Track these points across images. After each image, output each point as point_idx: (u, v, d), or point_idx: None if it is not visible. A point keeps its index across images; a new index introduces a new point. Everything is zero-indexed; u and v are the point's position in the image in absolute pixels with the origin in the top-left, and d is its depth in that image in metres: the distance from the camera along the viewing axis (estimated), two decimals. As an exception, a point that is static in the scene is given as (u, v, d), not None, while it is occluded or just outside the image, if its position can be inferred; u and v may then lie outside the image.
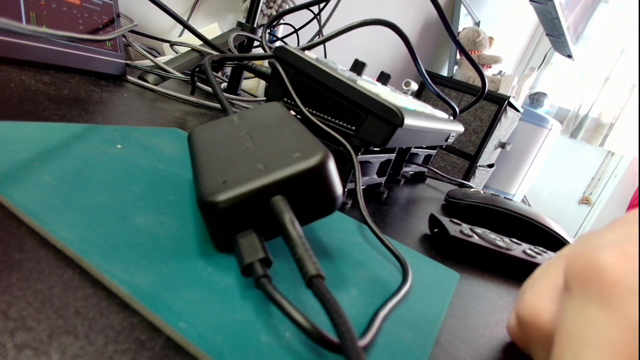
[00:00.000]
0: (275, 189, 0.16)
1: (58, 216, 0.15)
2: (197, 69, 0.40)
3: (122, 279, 0.13)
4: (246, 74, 0.69)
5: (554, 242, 0.42)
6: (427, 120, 0.35)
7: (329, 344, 0.12)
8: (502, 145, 1.94)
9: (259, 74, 0.35)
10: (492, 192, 0.47)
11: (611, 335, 0.12)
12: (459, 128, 0.51)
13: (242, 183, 0.16)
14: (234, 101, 0.54)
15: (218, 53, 0.54)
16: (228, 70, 0.73)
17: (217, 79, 0.68)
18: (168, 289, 0.13)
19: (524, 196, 2.67)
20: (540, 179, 2.85)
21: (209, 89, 0.56)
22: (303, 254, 0.14)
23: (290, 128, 0.20)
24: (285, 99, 0.33)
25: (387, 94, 0.32)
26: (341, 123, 0.31)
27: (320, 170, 0.16)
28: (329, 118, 0.32)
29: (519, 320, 0.17)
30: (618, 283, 0.12)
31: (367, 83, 0.33)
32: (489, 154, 1.85)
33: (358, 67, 0.37)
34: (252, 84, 0.76)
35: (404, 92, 0.52)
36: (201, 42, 0.55)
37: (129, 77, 0.46)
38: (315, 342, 0.12)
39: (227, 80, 0.62)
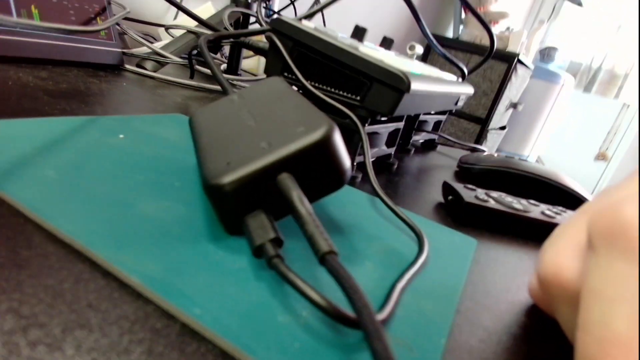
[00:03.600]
0: (280, 167, 0.15)
1: (63, 210, 0.15)
2: (194, 52, 0.39)
3: (133, 269, 0.13)
4: (245, 53, 0.68)
5: (573, 200, 0.40)
6: (435, 84, 0.34)
7: (347, 320, 0.12)
8: (514, 106, 1.89)
9: (256, 50, 0.34)
10: (506, 154, 0.46)
11: None
12: (468, 90, 0.49)
13: (247, 163, 0.15)
14: (234, 82, 0.53)
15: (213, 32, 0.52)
16: (227, 50, 0.71)
17: (215, 60, 0.66)
18: (180, 275, 0.13)
19: (538, 156, 2.62)
20: (555, 137, 2.78)
21: (208, 71, 0.55)
22: (314, 231, 0.13)
23: (292, 102, 0.20)
24: (285, 74, 0.32)
25: (391, 59, 0.31)
26: (345, 94, 0.30)
27: (325, 143, 0.16)
28: (333, 90, 0.31)
29: (541, 281, 0.16)
30: None
31: (370, 49, 0.32)
32: (501, 115, 1.80)
33: (359, 33, 0.36)
34: (253, 63, 0.75)
35: (409, 57, 0.50)
36: (196, 23, 0.53)
37: (127, 66, 0.45)
38: (332, 319, 0.12)
39: (227, 60, 0.60)
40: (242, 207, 0.15)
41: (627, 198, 0.13)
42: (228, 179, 0.15)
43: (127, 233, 0.15)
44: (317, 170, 0.16)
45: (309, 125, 0.16)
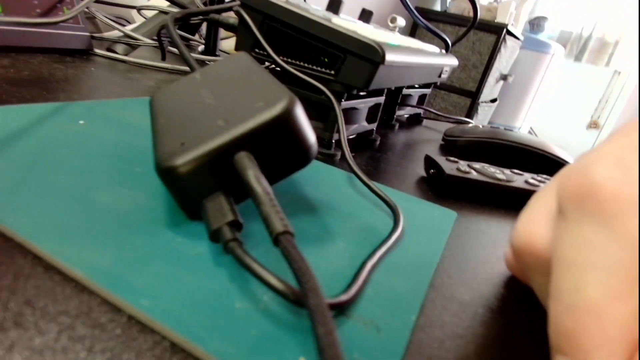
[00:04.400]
0: (238, 145, 0.14)
1: (8, 203, 0.14)
2: (162, 31, 0.37)
3: (76, 261, 0.12)
4: (224, 33, 0.66)
5: (560, 168, 0.40)
6: (414, 55, 0.33)
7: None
8: (504, 77, 1.87)
9: (226, 26, 0.33)
10: (498, 127, 0.45)
11: (612, 255, 0.11)
12: (452, 61, 0.48)
13: (201, 143, 0.14)
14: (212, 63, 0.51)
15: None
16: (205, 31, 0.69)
17: (193, 41, 0.64)
18: (130, 266, 0.12)
19: (531, 127, 2.62)
20: (546, 107, 2.77)
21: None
22: (269, 211, 0.12)
23: (254, 78, 0.19)
24: (256, 50, 0.30)
25: (367, 31, 0.29)
26: (319, 69, 0.29)
27: (285, 118, 0.15)
28: (306, 65, 0.30)
29: (514, 250, 0.16)
30: (616, 198, 0.11)
31: (345, 21, 0.31)
32: (491, 88, 1.78)
33: (334, 5, 0.34)
34: (232, 44, 0.72)
35: (391, 30, 0.48)
36: (168, 3, 0.51)
37: (97, 50, 0.43)
38: (291, 303, 0.11)
39: (204, 41, 0.58)
40: (199, 189, 0.15)
41: (599, 157, 0.12)
42: (181, 160, 0.14)
43: (76, 225, 0.14)
44: (278, 147, 0.15)
45: (268, 100, 0.15)
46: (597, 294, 0.11)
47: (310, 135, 0.16)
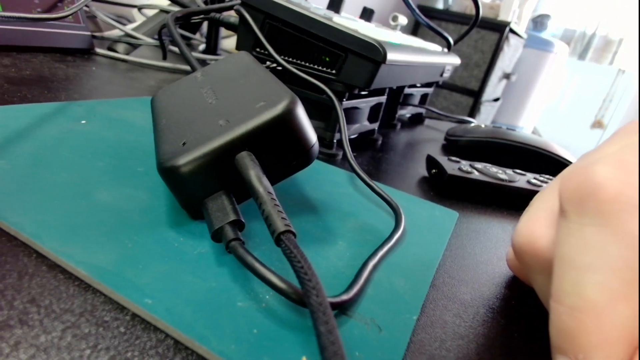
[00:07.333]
0: (239, 145, 0.14)
1: (11, 202, 0.14)
2: (163, 30, 0.37)
3: (80, 260, 0.12)
4: (225, 32, 0.66)
5: (563, 168, 0.40)
6: (415, 54, 0.33)
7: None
8: (507, 76, 1.86)
9: (227, 25, 0.33)
10: (500, 126, 0.45)
11: (613, 256, 0.11)
12: (454, 60, 0.47)
13: (203, 143, 0.14)
14: (212, 62, 0.51)
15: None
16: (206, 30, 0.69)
17: (194, 40, 0.64)
18: (132, 265, 0.12)
19: (534, 127, 2.61)
20: (550, 106, 2.76)
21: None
22: (271, 210, 0.12)
23: (255, 77, 0.19)
24: (257, 49, 0.31)
25: (369, 30, 0.29)
26: (320, 68, 0.29)
27: (286, 118, 0.15)
28: (308, 64, 0.30)
29: (515, 250, 0.16)
30: (616, 198, 0.11)
31: (346, 20, 0.31)
32: (494, 87, 1.78)
33: (335, 3, 0.34)
34: (233, 43, 0.72)
35: (392, 28, 0.48)
36: (169, 2, 0.51)
37: (98, 50, 0.43)
38: (294, 303, 0.12)
39: (205, 40, 0.58)
40: (201, 189, 0.15)
41: (601, 158, 0.12)
42: (183, 160, 0.14)
43: (79, 223, 0.14)
44: (279, 147, 0.15)
45: (269, 100, 0.15)
46: (597, 294, 0.11)
47: (312, 135, 0.16)
